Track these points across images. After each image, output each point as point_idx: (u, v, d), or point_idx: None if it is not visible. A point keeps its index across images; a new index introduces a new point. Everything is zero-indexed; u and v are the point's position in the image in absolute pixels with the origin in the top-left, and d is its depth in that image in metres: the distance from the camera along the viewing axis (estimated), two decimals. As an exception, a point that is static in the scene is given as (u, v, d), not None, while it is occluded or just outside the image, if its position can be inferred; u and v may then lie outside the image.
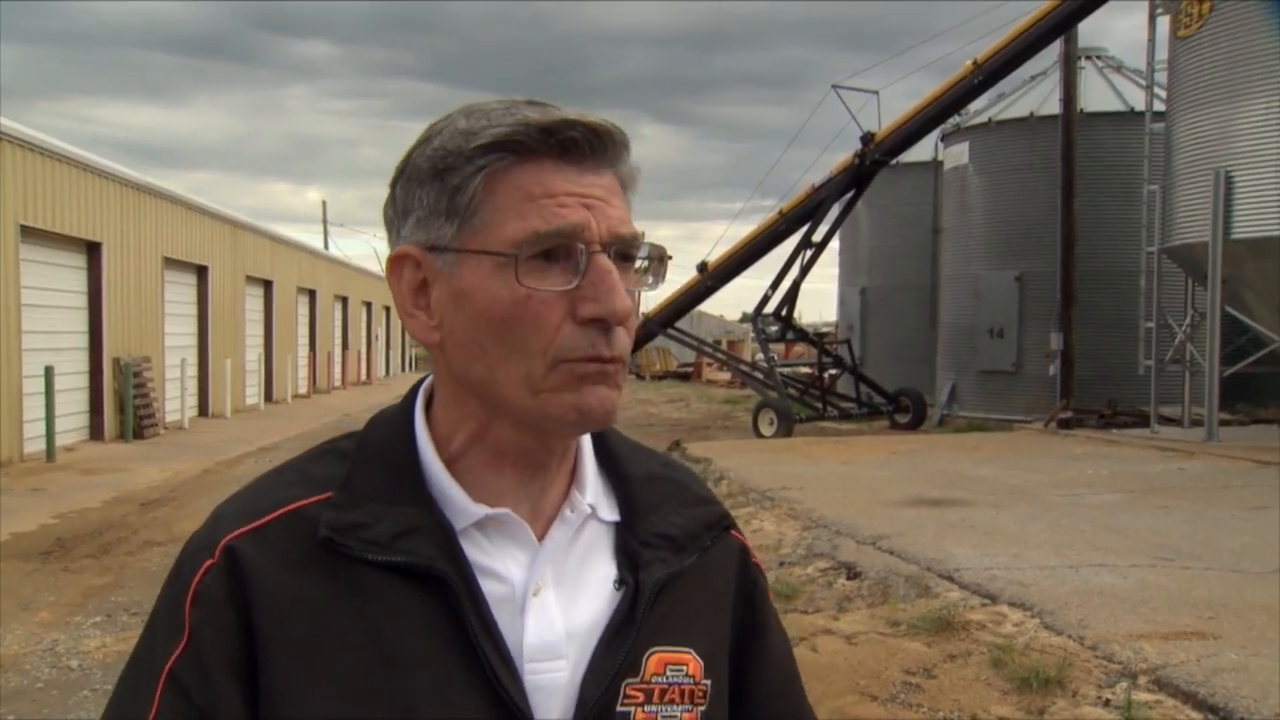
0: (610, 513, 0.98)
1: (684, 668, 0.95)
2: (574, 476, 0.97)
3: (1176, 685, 4.48)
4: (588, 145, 0.87)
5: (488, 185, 0.86)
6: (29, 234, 14.07)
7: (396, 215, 0.92)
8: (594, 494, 0.98)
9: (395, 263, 0.92)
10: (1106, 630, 5.24)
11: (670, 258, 0.94)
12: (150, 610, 0.93)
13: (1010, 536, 7.61)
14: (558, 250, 0.86)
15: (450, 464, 0.93)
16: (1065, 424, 16.16)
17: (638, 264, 0.92)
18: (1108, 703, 4.41)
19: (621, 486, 1.00)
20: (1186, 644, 5.01)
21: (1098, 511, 8.68)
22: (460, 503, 0.91)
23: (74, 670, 5.40)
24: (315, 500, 0.91)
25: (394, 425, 0.97)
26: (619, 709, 0.91)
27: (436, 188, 0.88)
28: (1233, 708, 4.23)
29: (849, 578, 6.71)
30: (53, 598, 6.82)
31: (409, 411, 0.97)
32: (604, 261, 0.87)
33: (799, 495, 9.52)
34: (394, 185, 0.93)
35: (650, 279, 0.93)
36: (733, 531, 1.06)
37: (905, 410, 18.43)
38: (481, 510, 0.91)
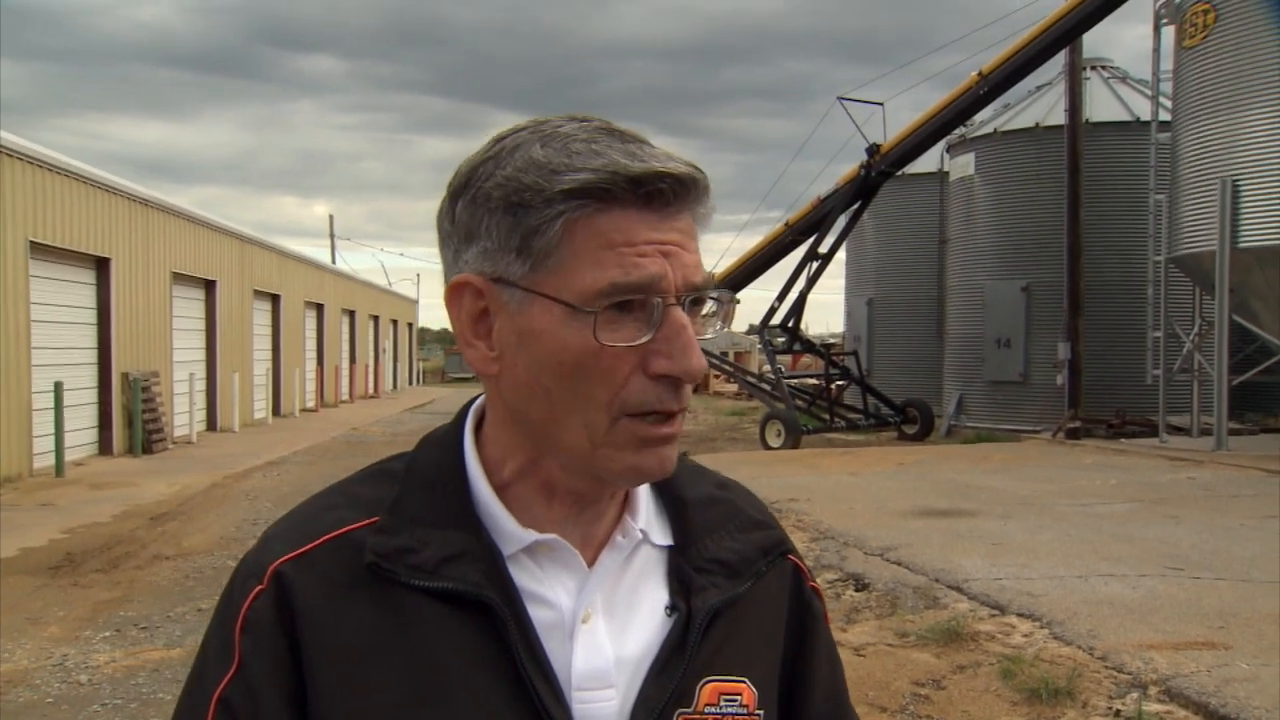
0: (663, 537, 0.96)
1: (738, 698, 0.93)
2: (626, 501, 0.95)
3: (1187, 696, 4.47)
4: (672, 193, 0.85)
5: (567, 229, 0.83)
6: (38, 250, 14.14)
7: (457, 235, 0.89)
8: (646, 518, 0.95)
9: (456, 290, 0.89)
10: (1116, 640, 5.23)
11: (738, 301, 0.92)
12: (202, 637, 0.93)
13: (1019, 547, 7.59)
14: (633, 301, 0.84)
15: (500, 490, 0.92)
16: (1073, 434, 16.13)
17: (706, 308, 0.90)
18: (1118, 713, 4.40)
19: (675, 510, 0.98)
20: (1197, 654, 4.99)
21: (1106, 521, 8.66)
22: (509, 528, 0.90)
23: (84, 685, 5.40)
24: (363, 524, 0.90)
25: (444, 448, 0.95)
26: None
27: (509, 222, 0.85)
28: (1244, 718, 4.21)
29: (857, 589, 6.70)
30: (62, 612, 6.83)
31: (459, 434, 0.95)
32: (680, 316, 0.84)
33: (807, 506, 9.51)
34: (454, 199, 0.89)
35: (719, 324, 0.91)
36: (789, 555, 1.05)
37: (913, 421, 18.41)
38: (530, 535, 0.90)
